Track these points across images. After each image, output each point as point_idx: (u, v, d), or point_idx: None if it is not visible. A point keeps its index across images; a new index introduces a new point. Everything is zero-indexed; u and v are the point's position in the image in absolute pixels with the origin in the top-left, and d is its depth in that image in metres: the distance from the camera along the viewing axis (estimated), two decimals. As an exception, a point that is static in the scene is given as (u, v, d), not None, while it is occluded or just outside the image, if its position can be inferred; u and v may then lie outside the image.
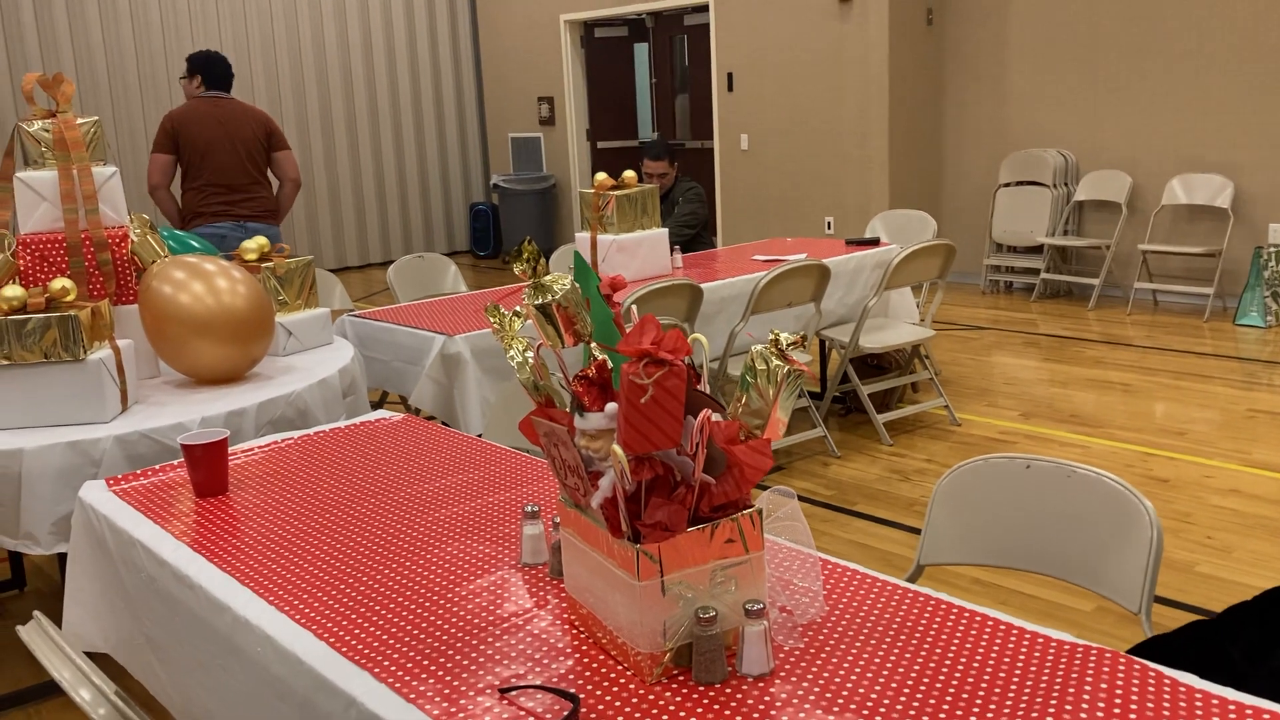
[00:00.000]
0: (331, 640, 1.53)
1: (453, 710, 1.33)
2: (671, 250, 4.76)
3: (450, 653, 1.48)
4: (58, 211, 3.00)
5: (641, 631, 1.36)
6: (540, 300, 1.32)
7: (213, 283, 3.00)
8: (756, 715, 1.29)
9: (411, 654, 1.48)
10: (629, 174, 4.58)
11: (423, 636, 1.53)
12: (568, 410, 1.44)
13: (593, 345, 1.37)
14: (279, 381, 3.03)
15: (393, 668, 1.45)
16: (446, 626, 1.55)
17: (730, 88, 8.83)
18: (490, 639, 1.51)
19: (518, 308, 1.57)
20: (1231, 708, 1.25)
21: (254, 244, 3.40)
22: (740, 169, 8.92)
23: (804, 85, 8.33)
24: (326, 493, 2.13)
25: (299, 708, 1.51)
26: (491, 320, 1.58)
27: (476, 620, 1.56)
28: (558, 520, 1.70)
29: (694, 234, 5.64)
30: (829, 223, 8.39)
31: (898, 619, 1.51)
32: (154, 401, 2.89)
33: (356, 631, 1.55)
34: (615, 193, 4.48)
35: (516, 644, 1.49)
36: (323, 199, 10.25)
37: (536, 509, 1.73)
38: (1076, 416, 4.90)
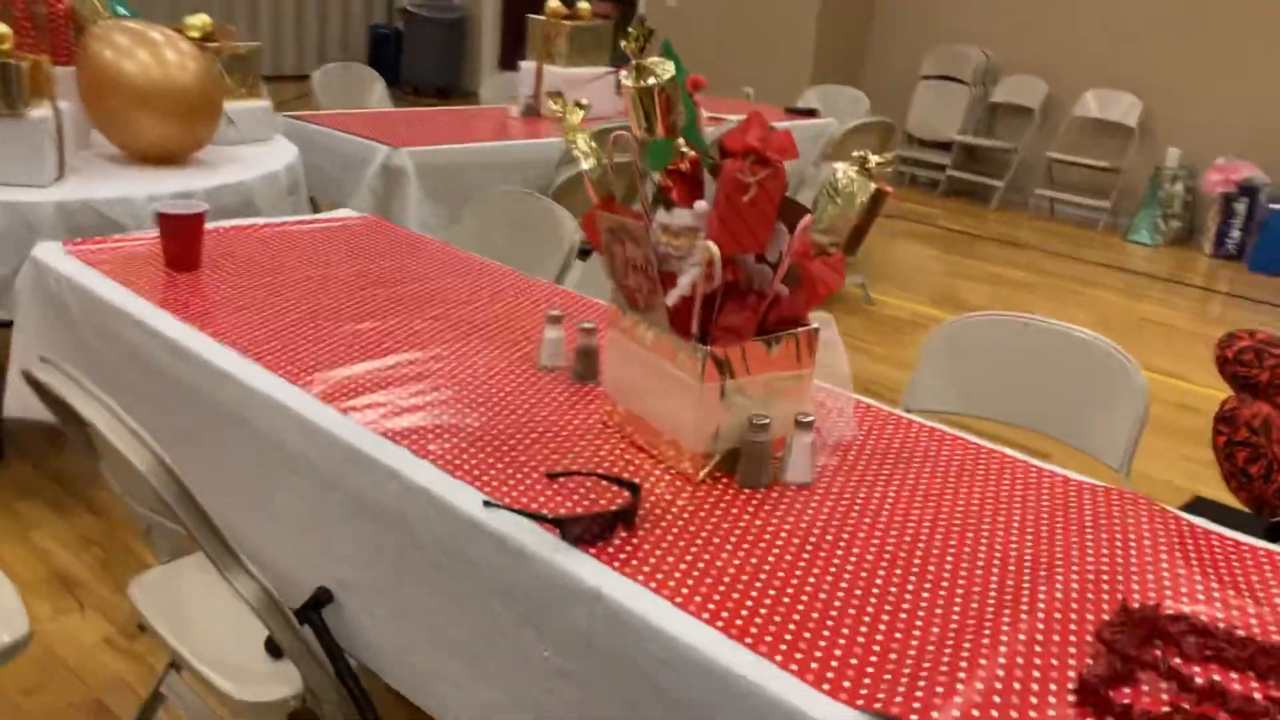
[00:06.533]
0: (371, 425, 1.49)
1: (504, 489, 1.32)
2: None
3: (493, 443, 1.46)
4: (-9, -50, 2.71)
5: (696, 433, 1.37)
6: (642, 82, 1.27)
7: (160, 53, 2.79)
8: (793, 518, 1.32)
9: (456, 440, 1.45)
10: (584, 5, 4.43)
11: (461, 430, 1.50)
12: (639, 207, 1.41)
13: (679, 140, 1.33)
14: (226, 170, 2.87)
15: (434, 450, 1.42)
16: (478, 426, 1.53)
17: (665, -61, 8.55)
18: (532, 438, 1.49)
19: (581, 98, 1.52)
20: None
21: (198, 20, 3.16)
22: (670, 27, 8.72)
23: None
24: (310, 282, 2.04)
25: (352, 496, 1.48)
26: (555, 108, 1.52)
27: (512, 419, 1.54)
28: (584, 325, 1.68)
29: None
30: (749, 94, 8.32)
31: (919, 449, 1.56)
32: (91, 174, 2.70)
33: (399, 418, 1.51)
34: (568, 23, 4.33)
35: (556, 438, 1.48)
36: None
37: (560, 314, 1.71)
38: (981, 309, 5.08)
